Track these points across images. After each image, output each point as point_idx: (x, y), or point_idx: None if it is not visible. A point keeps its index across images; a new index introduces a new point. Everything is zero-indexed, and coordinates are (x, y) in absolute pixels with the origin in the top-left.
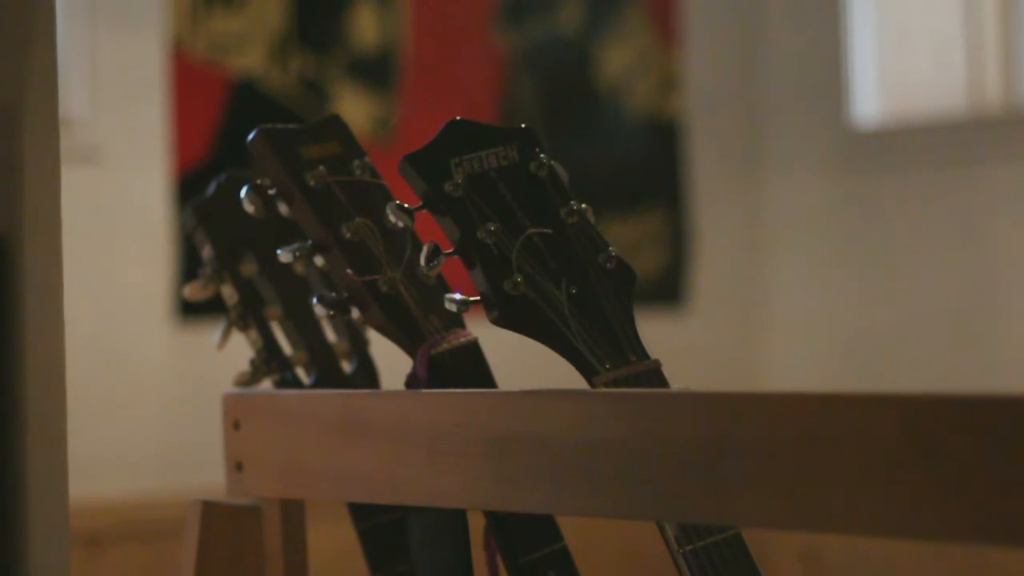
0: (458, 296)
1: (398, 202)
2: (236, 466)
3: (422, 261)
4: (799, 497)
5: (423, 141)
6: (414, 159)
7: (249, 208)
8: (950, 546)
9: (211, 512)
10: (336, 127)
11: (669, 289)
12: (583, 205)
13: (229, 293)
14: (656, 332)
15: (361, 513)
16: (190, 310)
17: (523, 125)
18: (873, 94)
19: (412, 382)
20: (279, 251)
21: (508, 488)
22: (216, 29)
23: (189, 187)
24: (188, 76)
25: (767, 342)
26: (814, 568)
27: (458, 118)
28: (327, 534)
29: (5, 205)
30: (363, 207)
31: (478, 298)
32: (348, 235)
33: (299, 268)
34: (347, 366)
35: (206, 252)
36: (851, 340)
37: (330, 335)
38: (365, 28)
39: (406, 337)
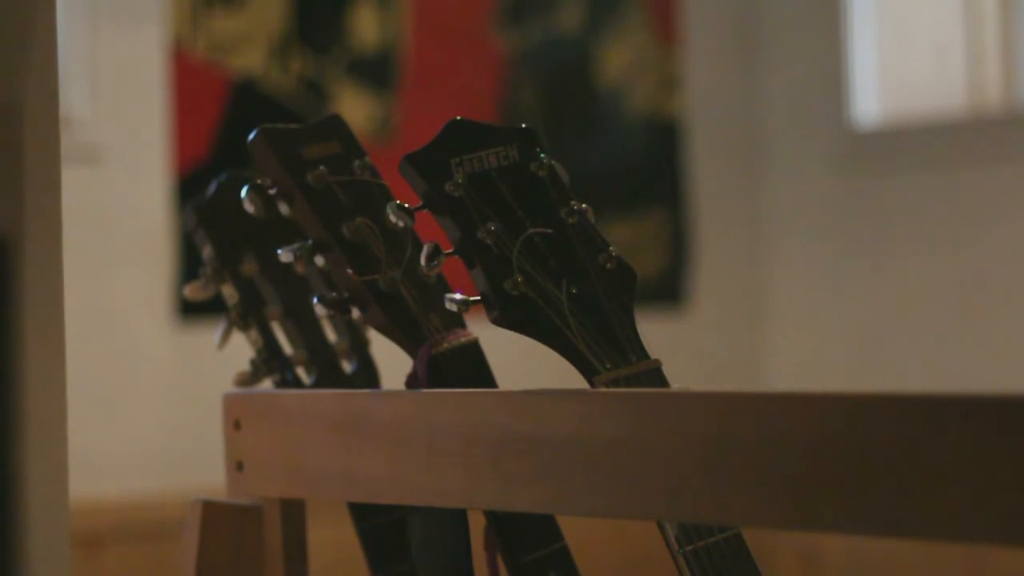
0: (458, 296)
1: (398, 202)
2: (236, 466)
3: (422, 261)
4: (799, 497)
5: (423, 141)
6: (414, 159)
7: (249, 208)
8: (950, 546)
9: (211, 512)
10: (336, 127)
11: (669, 289)
12: (583, 205)
13: (229, 293)
14: (656, 332)
15: (361, 513)
16: (190, 310)
17: (523, 125)
18: (873, 94)
19: (412, 382)
20: (279, 251)
21: (508, 488)
22: (216, 29)
23: (189, 187)
24: (188, 76)
25: (767, 342)
26: (814, 568)
27: (458, 118)
28: (327, 534)
29: (5, 205)
30: (363, 207)
31: (478, 298)
32: (348, 235)
33: (299, 268)
34: (347, 366)
35: (206, 252)
36: (851, 340)
37: (330, 335)
38: (365, 28)
39: (406, 337)
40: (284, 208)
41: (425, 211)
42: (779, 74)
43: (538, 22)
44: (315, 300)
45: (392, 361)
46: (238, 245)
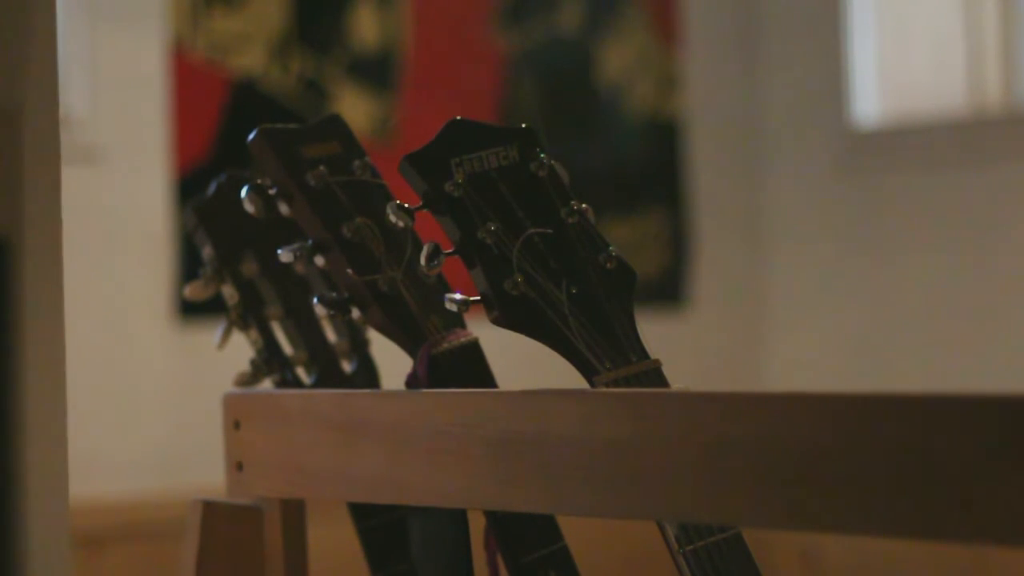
0: (458, 296)
1: (398, 202)
2: (236, 466)
3: (422, 261)
4: (799, 497)
5: (423, 141)
6: (414, 159)
7: (249, 208)
8: (950, 546)
9: (211, 512)
10: (336, 127)
11: (669, 289)
12: (583, 205)
13: (229, 293)
14: (656, 332)
15: (361, 513)
16: (190, 310)
17: (523, 125)
18: (873, 94)
19: (412, 382)
20: (279, 251)
21: (508, 488)
22: (216, 29)
23: (189, 187)
24: (188, 76)
25: (768, 342)
26: (814, 568)
27: (458, 118)
28: (327, 534)
29: (5, 205)
30: (363, 207)
31: (478, 298)
32: (348, 235)
33: (299, 268)
34: (347, 366)
35: (206, 252)
36: (851, 340)
37: (330, 335)
38: (365, 28)
39: (406, 337)
40: (284, 208)
41: (425, 211)
42: (779, 74)
43: (538, 22)
44: (315, 300)
45: (392, 361)
46: (238, 245)
